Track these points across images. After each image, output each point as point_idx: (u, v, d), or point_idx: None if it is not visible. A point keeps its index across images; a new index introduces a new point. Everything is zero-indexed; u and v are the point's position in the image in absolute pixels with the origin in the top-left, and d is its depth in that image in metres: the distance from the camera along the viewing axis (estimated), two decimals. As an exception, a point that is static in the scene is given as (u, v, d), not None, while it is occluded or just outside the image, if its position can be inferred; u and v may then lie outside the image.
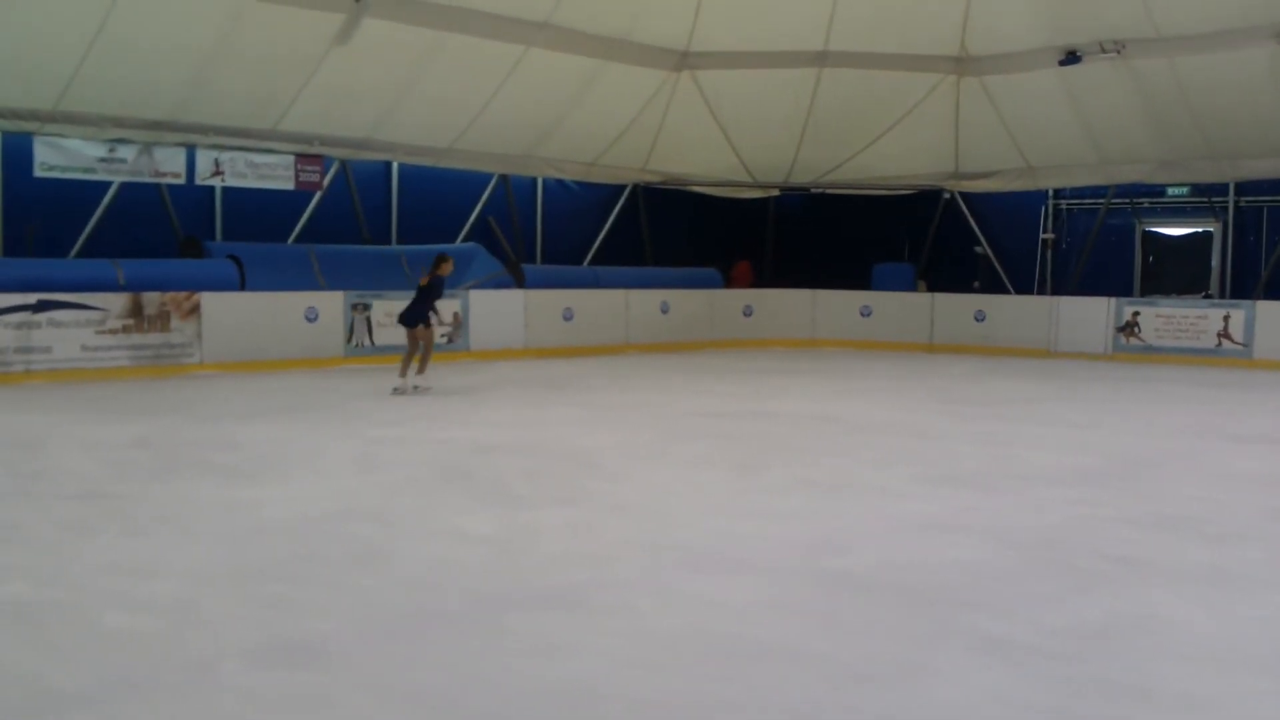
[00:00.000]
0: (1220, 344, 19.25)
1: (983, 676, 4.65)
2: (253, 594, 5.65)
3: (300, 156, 17.91)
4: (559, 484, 8.53)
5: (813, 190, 23.68)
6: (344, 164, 19.00)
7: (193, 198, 17.72)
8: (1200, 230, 22.35)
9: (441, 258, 14.08)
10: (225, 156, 17.16)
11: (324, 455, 9.62)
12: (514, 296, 19.36)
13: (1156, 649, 5.03)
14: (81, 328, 14.76)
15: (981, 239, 23.24)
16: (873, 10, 19.60)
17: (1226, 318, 19.28)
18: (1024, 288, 22.98)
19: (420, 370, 13.93)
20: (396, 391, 13.71)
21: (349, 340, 17.19)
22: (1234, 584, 6.11)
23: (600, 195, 23.12)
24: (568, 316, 19.85)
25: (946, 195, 23.16)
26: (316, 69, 16.62)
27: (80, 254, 16.70)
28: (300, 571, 6.06)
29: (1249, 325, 19.03)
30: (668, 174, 22.93)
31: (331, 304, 17.03)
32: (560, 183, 22.45)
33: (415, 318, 13.78)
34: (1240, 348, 19.06)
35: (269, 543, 6.65)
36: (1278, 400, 14.85)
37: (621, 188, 23.12)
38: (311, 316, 16.79)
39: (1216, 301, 20.14)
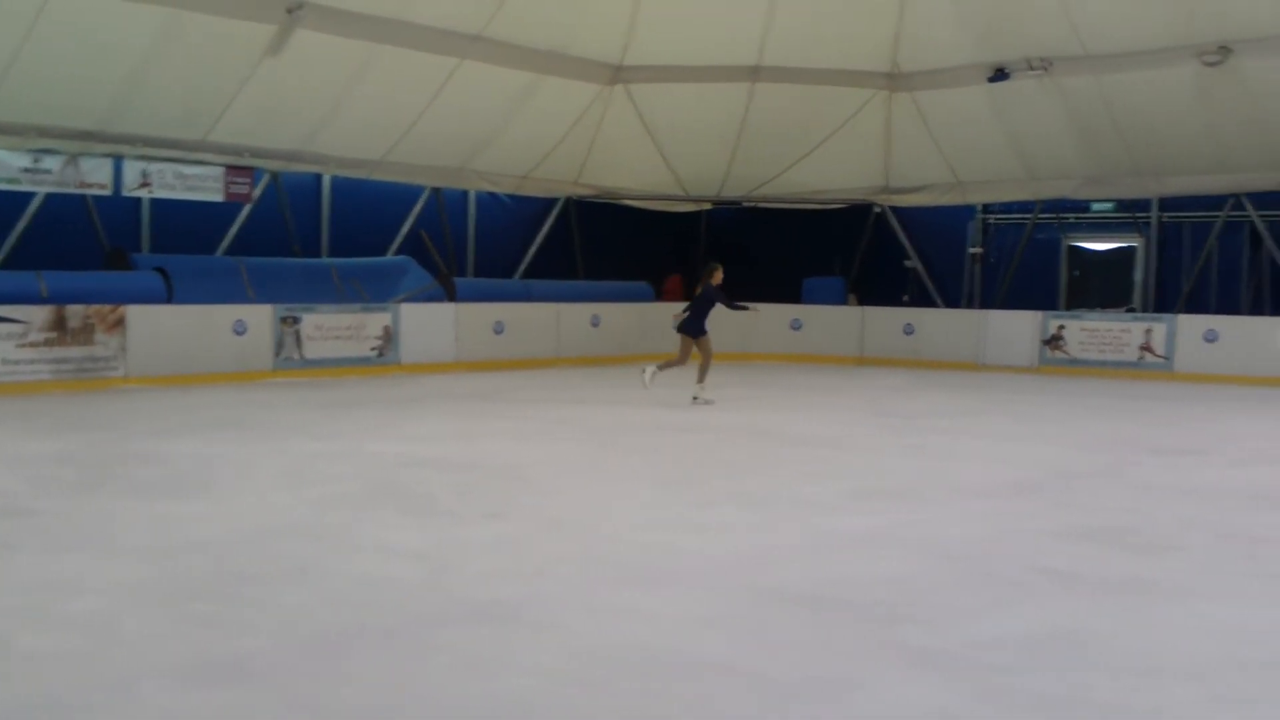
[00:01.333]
0: (1142, 357, 19.59)
1: (914, 689, 4.68)
2: (178, 612, 5.55)
3: (230, 168, 17.67)
4: (490, 498, 8.48)
5: (745, 204, 23.78)
6: (274, 176, 18.79)
7: (119, 209, 17.41)
8: (1124, 245, 22.75)
9: (711, 267, 14.64)
10: (154, 168, 16.88)
11: (252, 470, 9.49)
12: (445, 310, 19.25)
13: (1086, 660, 5.08)
14: (2, 341, 14.45)
15: (911, 253, 23.47)
16: (806, 25, 19.74)
17: (1148, 331, 19.62)
18: (953, 301, 23.24)
19: (700, 380, 14.42)
20: (698, 400, 14.37)
21: (277, 354, 16.99)
22: (1159, 594, 6.21)
23: (533, 208, 23.05)
24: (499, 330, 19.77)
25: (877, 209, 23.36)
26: (248, 80, 16.42)
27: (2, 266, 16.34)
28: (227, 589, 5.97)
29: (1170, 339, 19.38)
30: (600, 187, 22.94)
31: (260, 317, 16.81)
32: (493, 196, 22.33)
33: (695, 328, 14.39)
34: (1162, 360, 19.40)
35: (195, 559, 6.54)
36: (1198, 412, 15.13)
37: (554, 201, 23.08)
38: (240, 330, 16.58)
39: (1139, 315, 20.49)
